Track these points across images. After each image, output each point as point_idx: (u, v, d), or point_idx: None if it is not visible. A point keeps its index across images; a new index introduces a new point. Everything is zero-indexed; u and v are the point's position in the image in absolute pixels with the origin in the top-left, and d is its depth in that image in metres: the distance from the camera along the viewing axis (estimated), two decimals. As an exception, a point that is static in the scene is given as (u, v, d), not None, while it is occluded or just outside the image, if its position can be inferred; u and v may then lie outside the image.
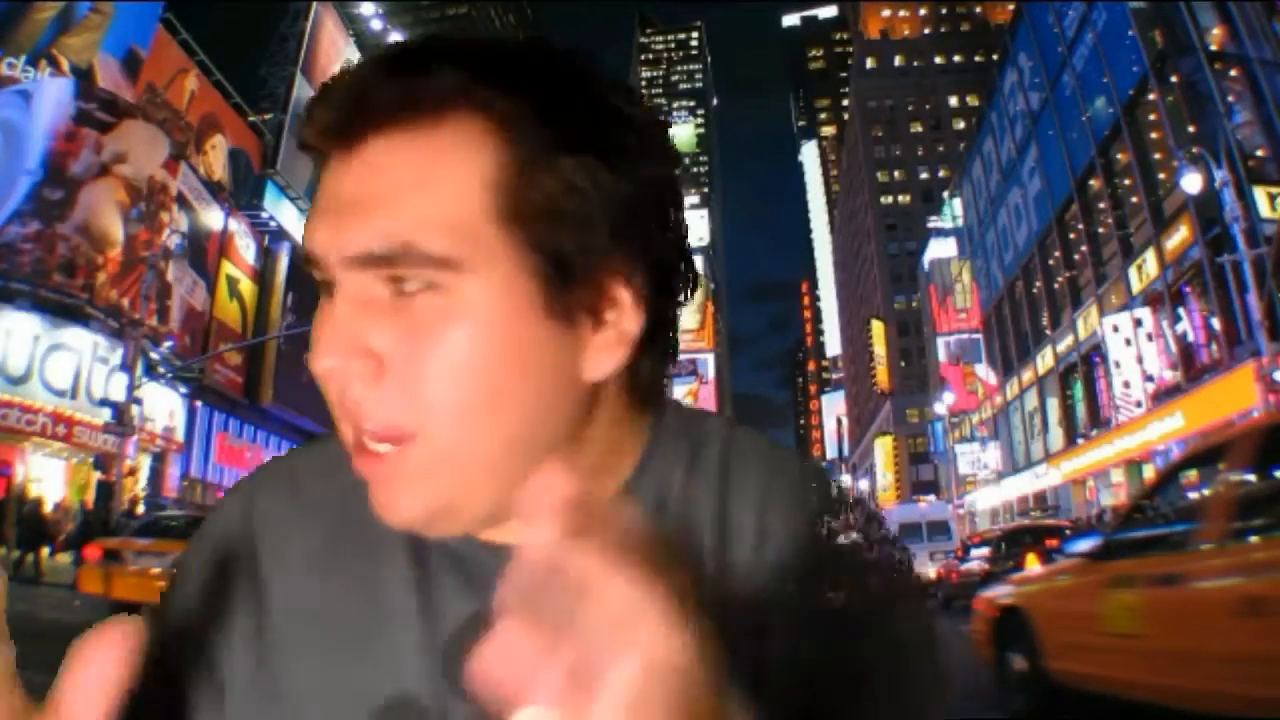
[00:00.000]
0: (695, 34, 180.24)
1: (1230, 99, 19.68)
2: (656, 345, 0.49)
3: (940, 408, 44.90)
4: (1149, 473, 21.71)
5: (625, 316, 0.46)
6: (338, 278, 0.44)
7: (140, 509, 18.13)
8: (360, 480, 0.49)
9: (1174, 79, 20.97)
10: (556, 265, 0.43)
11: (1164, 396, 21.84)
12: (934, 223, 55.06)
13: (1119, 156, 24.87)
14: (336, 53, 36.12)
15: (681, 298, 0.50)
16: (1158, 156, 22.67)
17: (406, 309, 0.43)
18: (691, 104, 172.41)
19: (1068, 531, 12.93)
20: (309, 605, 0.50)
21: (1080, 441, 28.35)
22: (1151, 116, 22.77)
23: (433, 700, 0.47)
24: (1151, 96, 22.19)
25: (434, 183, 0.42)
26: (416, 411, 0.43)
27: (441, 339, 0.42)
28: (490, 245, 0.42)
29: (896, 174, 79.81)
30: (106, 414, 18.11)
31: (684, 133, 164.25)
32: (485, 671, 0.42)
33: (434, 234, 0.42)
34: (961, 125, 73.43)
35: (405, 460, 0.44)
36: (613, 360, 0.46)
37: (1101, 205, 26.23)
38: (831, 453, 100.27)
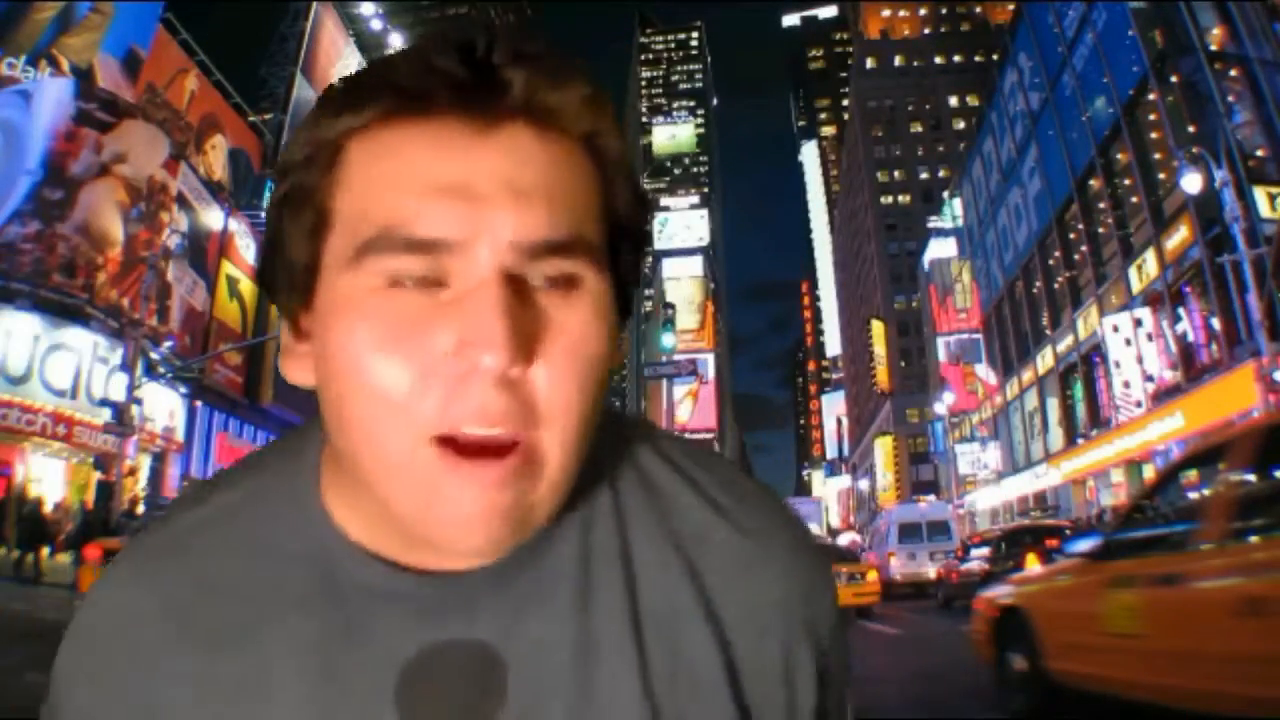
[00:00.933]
0: (695, 34, 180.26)
1: (1230, 99, 19.68)
2: None
3: (940, 408, 44.91)
4: (1149, 473, 21.71)
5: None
6: (501, 263, 0.42)
7: (140, 509, 18.14)
8: (274, 533, 0.49)
9: (1174, 79, 20.98)
10: (631, 269, 0.48)
11: (1164, 396, 21.84)
12: (934, 223, 55.09)
13: (1119, 156, 24.88)
14: (336, 53, 36.14)
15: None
16: (1158, 156, 22.68)
17: (554, 302, 0.43)
18: (691, 104, 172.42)
19: (1068, 531, 12.95)
20: (230, 689, 0.46)
21: (1080, 441, 28.35)
22: (1151, 116, 22.78)
23: None
24: (1151, 96, 22.19)
25: (577, 179, 0.45)
26: (542, 413, 0.43)
27: (579, 338, 0.43)
28: (601, 249, 0.45)
29: (896, 174, 79.82)
30: (106, 414, 18.10)
31: (684, 133, 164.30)
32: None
33: (589, 222, 0.44)
34: (961, 125, 73.44)
35: (519, 459, 0.42)
36: (619, 359, 0.47)
37: (1101, 205, 26.24)
38: (831, 453, 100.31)
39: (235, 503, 0.51)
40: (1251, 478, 3.76)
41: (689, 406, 68.30)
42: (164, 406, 23.54)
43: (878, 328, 72.27)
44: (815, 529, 37.61)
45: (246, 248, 28.86)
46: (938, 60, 79.75)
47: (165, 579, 0.49)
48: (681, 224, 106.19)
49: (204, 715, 0.45)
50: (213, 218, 26.37)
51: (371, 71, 0.44)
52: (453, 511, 0.42)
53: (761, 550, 0.51)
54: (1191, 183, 15.95)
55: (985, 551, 14.74)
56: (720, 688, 0.47)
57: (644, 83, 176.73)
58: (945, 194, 54.79)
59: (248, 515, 0.50)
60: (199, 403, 25.61)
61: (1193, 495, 4.71)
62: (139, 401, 18.54)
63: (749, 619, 0.49)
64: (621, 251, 0.48)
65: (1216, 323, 19.51)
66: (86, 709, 0.47)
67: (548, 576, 0.48)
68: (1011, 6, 47.76)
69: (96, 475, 20.24)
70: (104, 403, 18.11)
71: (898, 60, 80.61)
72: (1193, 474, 4.91)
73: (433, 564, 0.46)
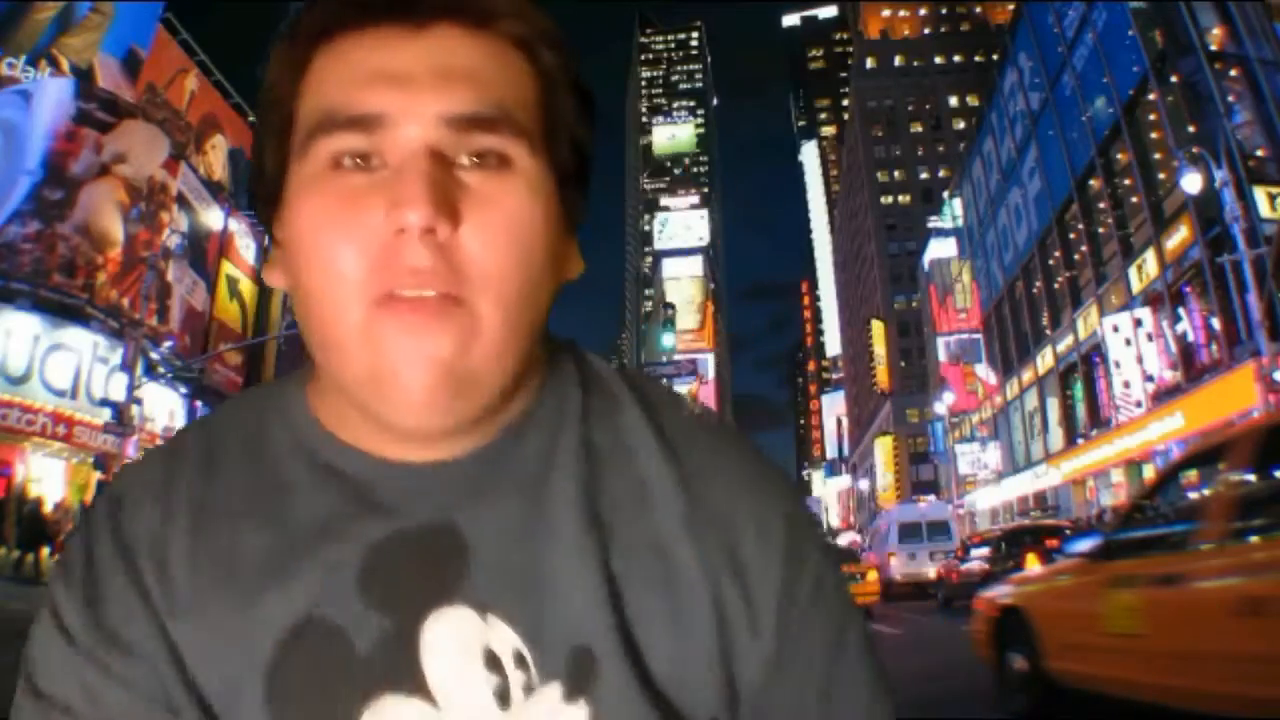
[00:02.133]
0: (695, 34, 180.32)
1: (1230, 99, 19.68)
2: None
3: (940, 408, 44.90)
4: (1149, 473, 21.71)
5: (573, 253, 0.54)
6: (426, 138, 0.47)
7: (140, 509, 18.13)
8: (270, 429, 0.55)
9: (1174, 79, 20.97)
10: (575, 169, 0.52)
11: (1164, 396, 21.84)
12: (934, 223, 55.07)
13: (1119, 156, 24.87)
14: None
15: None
16: (1158, 156, 22.67)
17: (484, 177, 0.48)
18: (691, 104, 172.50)
19: (1068, 531, 12.94)
20: (215, 555, 0.51)
21: (1080, 441, 28.36)
22: (1151, 116, 22.78)
23: (343, 618, 0.49)
24: (1151, 96, 22.19)
25: (508, 72, 0.49)
26: (474, 276, 0.46)
27: (512, 211, 0.47)
28: (538, 138, 0.50)
29: (896, 174, 79.81)
30: (106, 414, 18.10)
31: (684, 133, 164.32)
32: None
33: (521, 109, 0.49)
34: (961, 125, 73.42)
35: (451, 315, 0.46)
36: (578, 268, 0.54)
37: (1101, 205, 26.24)
38: (831, 453, 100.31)
39: (236, 412, 0.58)
40: (1251, 478, 3.77)
41: (689, 406, 68.21)
42: (164, 406, 23.54)
43: (878, 328, 72.27)
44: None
45: (246, 248, 28.86)
46: (938, 60, 79.73)
47: (179, 464, 0.55)
48: (681, 224, 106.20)
49: (236, 560, 0.51)
50: (213, 218, 26.36)
51: None
52: (394, 367, 0.46)
53: (710, 460, 0.55)
54: (1191, 183, 15.95)
55: (985, 551, 14.75)
56: (686, 571, 0.51)
57: (644, 83, 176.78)
58: (945, 194, 54.78)
59: (248, 420, 0.56)
60: (199, 403, 25.60)
61: (1193, 495, 4.72)
62: (139, 401, 18.54)
63: (702, 513, 0.53)
64: (561, 152, 0.51)
65: (1216, 323, 19.50)
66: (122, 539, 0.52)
67: (514, 469, 0.52)
68: (1011, 6, 47.75)
69: (96, 475, 20.22)
70: (104, 403, 18.11)
71: (898, 60, 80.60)
72: (1193, 474, 4.91)
73: (412, 456, 0.51)
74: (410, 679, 0.48)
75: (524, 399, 0.53)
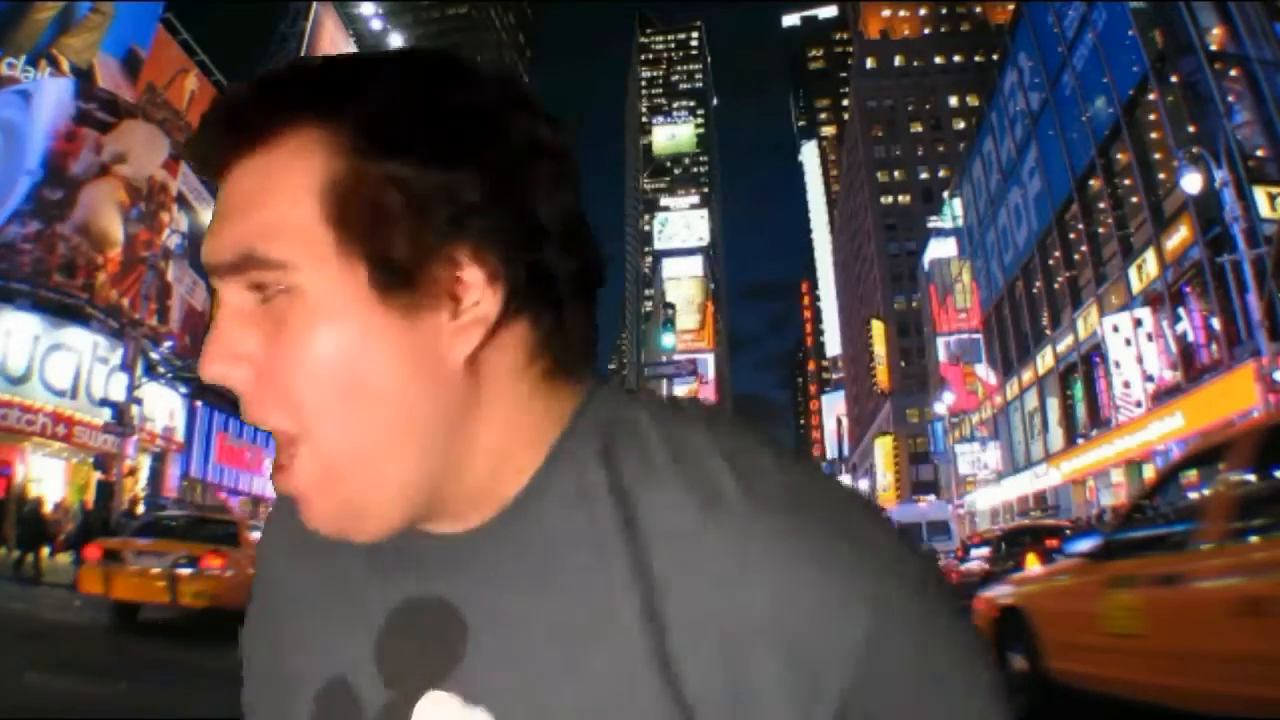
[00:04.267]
0: (695, 34, 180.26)
1: (1230, 99, 19.68)
2: (550, 325, 0.49)
3: (940, 408, 44.90)
4: (1149, 473, 21.71)
5: (482, 298, 0.46)
6: (219, 290, 0.48)
7: (140, 509, 18.14)
8: None
9: (1174, 79, 20.97)
10: (384, 260, 0.45)
11: (1164, 396, 21.84)
12: (934, 223, 55.09)
13: (1119, 156, 24.87)
14: (336, 52, 36.13)
15: (570, 268, 0.49)
16: (1158, 156, 22.67)
17: (268, 314, 0.46)
18: (691, 104, 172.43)
19: (1068, 531, 12.93)
20: (293, 590, 0.56)
21: (1080, 441, 28.35)
22: (1151, 116, 22.77)
23: (361, 687, 0.50)
24: (1151, 96, 22.19)
25: (270, 194, 0.46)
26: (292, 412, 0.46)
27: (294, 338, 0.45)
28: (322, 247, 0.45)
29: (896, 174, 79.79)
30: (106, 414, 18.12)
31: (684, 133, 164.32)
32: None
33: (269, 241, 0.45)
34: (961, 125, 73.42)
35: (301, 466, 0.47)
36: (469, 342, 0.47)
37: (1101, 205, 26.23)
38: (831, 453, 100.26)
39: None
40: (1251, 478, 3.77)
41: (689, 406, 68.21)
42: (164, 406, 23.54)
43: (878, 328, 72.27)
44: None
45: (246, 248, 28.84)
46: (938, 60, 79.72)
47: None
48: (681, 224, 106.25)
49: (304, 601, 0.55)
50: (213, 218, 26.35)
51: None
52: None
53: (745, 555, 0.45)
54: (1191, 183, 15.95)
55: (985, 551, 14.75)
56: (649, 680, 0.44)
57: (644, 83, 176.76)
58: (945, 194, 54.77)
59: None
60: (199, 403, 25.61)
61: (1193, 495, 4.72)
62: (139, 401, 18.56)
63: (700, 629, 0.45)
64: (390, 230, 0.45)
65: (1216, 323, 19.50)
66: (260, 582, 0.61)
67: (520, 548, 0.49)
68: (1011, 6, 47.75)
69: (96, 475, 20.24)
70: (104, 403, 18.12)
71: (898, 60, 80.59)
72: (1193, 474, 4.92)
73: (441, 527, 0.51)
74: None
75: (525, 469, 0.50)
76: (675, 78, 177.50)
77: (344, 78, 0.47)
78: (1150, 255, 22.45)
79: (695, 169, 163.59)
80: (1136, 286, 23.43)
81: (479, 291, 0.46)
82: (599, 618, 0.45)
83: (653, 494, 0.47)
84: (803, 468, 0.48)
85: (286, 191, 0.46)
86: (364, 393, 0.45)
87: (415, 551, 0.51)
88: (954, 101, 77.84)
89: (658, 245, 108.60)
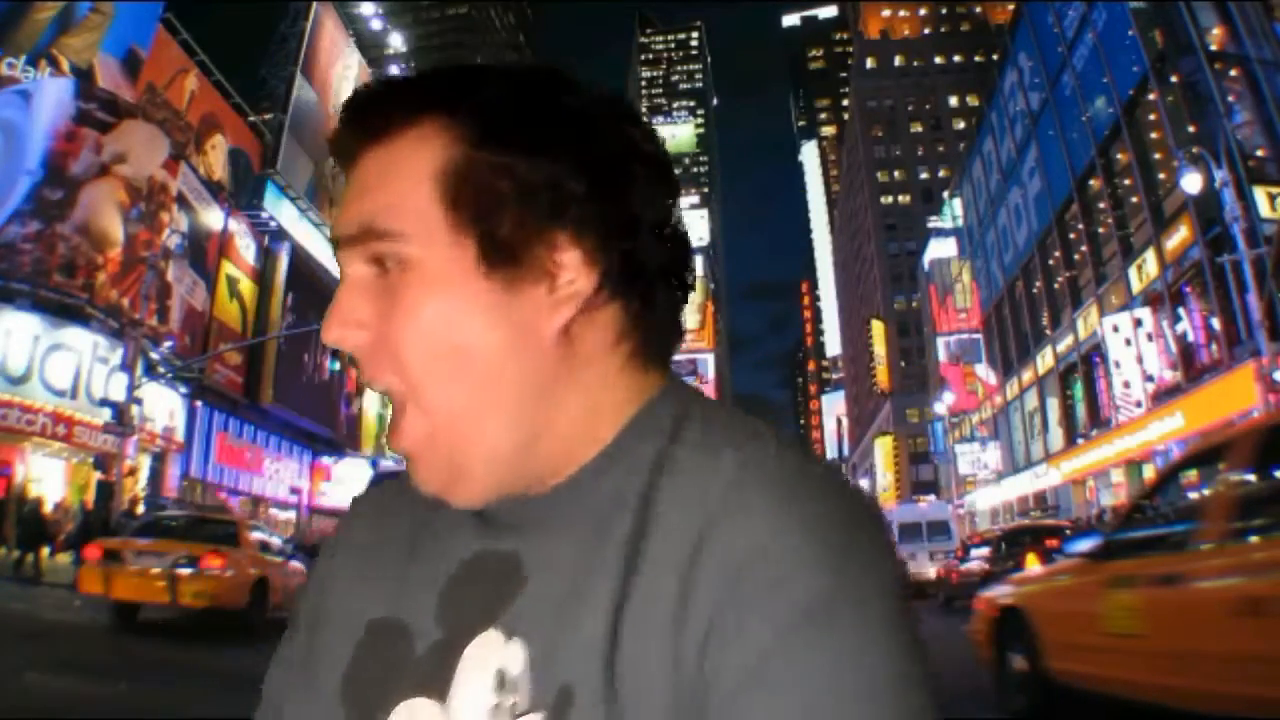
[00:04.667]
0: (695, 34, 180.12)
1: (1230, 99, 19.67)
2: (637, 311, 0.55)
3: (940, 408, 44.90)
4: (1149, 473, 21.71)
5: (576, 278, 0.52)
6: (340, 260, 0.54)
7: (140, 509, 18.13)
8: None
9: (1174, 79, 20.96)
10: (491, 238, 0.51)
11: (1164, 396, 21.83)
12: (934, 223, 55.06)
13: (1119, 156, 24.87)
14: (337, 53, 36.12)
15: (660, 261, 0.55)
16: (1158, 156, 22.67)
17: (384, 285, 0.52)
18: (691, 104, 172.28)
19: (1068, 531, 12.93)
20: (364, 541, 0.62)
21: (1080, 441, 28.35)
22: (1151, 116, 22.77)
23: (416, 624, 0.55)
24: (1151, 96, 22.18)
25: (391, 178, 0.52)
26: (402, 373, 0.52)
27: (407, 305, 0.51)
28: (435, 224, 0.51)
29: (896, 174, 79.79)
30: (106, 414, 18.10)
31: (684, 133, 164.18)
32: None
33: (388, 215, 0.52)
34: (961, 125, 73.42)
35: (410, 426, 0.52)
36: (563, 315, 0.52)
37: (1101, 205, 26.23)
38: (832, 453, 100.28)
39: None
40: (1251, 478, 3.77)
41: (689, 406, 68.27)
42: (164, 406, 23.54)
43: (878, 328, 72.26)
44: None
45: (246, 248, 28.86)
46: (938, 60, 79.72)
47: (369, 495, 0.68)
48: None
49: (375, 551, 0.62)
50: (213, 218, 26.36)
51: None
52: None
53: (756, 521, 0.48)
54: (1191, 183, 15.95)
55: (985, 551, 14.74)
56: (667, 638, 0.47)
57: (644, 83, 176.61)
58: (945, 194, 54.76)
59: None
60: (199, 403, 25.60)
61: (1193, 495, 4.72)
62: (139, 401, 18.55)
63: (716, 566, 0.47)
64: (499, 212, 0.51)
65: (1216, 323, 19.50)
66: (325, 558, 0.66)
67: (585, 506, 0.53)
68: (1011, 6, 47.73)
69: (96, 475, 20.23)
70: (104, 403, 18.11)
71: (898, 60, 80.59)
72: (1193, 474, 4.91)
73: (521, 490, 0.55)
74: (441, 687, 0.52)
75: (602, 439, 0.54)
76: (675, 78, 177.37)
77: (463, 79, 0.54)
78: (1150, 255, 22.44)
79: (695, 169, 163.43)
80: (1136, 286, 23.43)
81: (574, 271, 0.52)
82: (616, 560, 0.50)
83: (696, 457, 0.52)
84: (824, 466, 0.53)
85: (406, 175, 0.52)
86: (467, 356, 0.51)
87: (492, 512, 0.55)
88: (954, 101, 77.83)
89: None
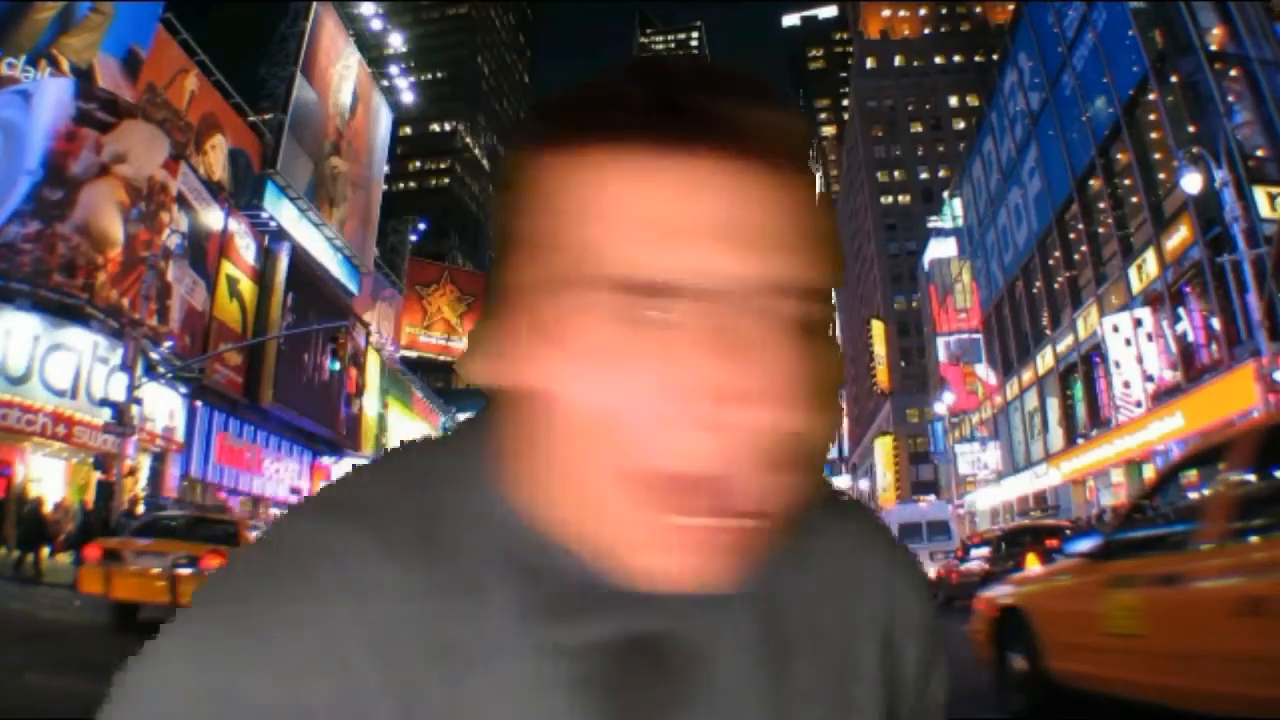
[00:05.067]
0: (695, 34, 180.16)
1: (1230, 99, 19.67)
2: None
3: (940, 408, 44.88)
4: (1149, 473, 21.70)
5: None
6: (748, 306, 0.39)
7: (140, 509, 18.13)
8: (444, 504, 0.45)
9: (1174, 79, 20.96)
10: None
11: (1164, 396, 21.83)
12: (934, 223, 55.01)
13: (1119, 156, 24.86)
14: (336, 53, 36.13)
15: None
16: (1158, 156, 22.66)
17: (798, 347, 0.40)
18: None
19: (1068, 531, 12.93)
20: (402, 637, 0.42)
21: (1080, 441, 28.34)
22: (1151, 116, 22.76)
23: None
24: (1151, 96, 22.18)
25: (813, 221, 0.41)
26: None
27: (826, 379, 0.41)
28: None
29: (896, 174, 79.78)
30: (106, 414, 18.09)
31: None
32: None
33: (825, 271, 0.41)
34: (961, 125, 73.40)
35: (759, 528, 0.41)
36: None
37: (1101, 205, 26.22)
38: (831, 453, 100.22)
39: (411, 472, 0.47)
40: (1251, 478, 3.76)
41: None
42: (164, 406, 23.53)
43: (878, 328, 72.22)
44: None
45: (246, 248, 28.84)
46: (938, 60, 79.73)
47: (344, 529, 0.45)
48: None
49: (426, 648, 0.42)
50: (213, 218, 26.35)
51: (581, 98, 0.43)
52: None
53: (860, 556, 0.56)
54: (1191, 183, 15.94)
55: (985, 551, 14.74)
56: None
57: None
58: (945, 194, 54.74)
59: (427, 485, 0.46)
60: (199, 403, 25.60)
61: (1193, 495, 4.71)
62: (139, 401, 18.53)
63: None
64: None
65: (1216, 323, 19.49)
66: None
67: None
68: (1011, 6, 47.73)
69: (96, 475, 20.23)
70: (104, 403, 18.10)
71: (898, 60, 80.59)
72: (1193, 474, 4.91)
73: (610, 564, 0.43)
74: None
75: None
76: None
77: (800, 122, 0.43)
78: (1150, 255, 22.44)
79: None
80: (1136, 286, 23.43)
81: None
82: (803, 647, 0.49)
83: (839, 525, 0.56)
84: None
85: (797, 217, 0.42)
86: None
87: (607, 594, 0.43)
88: (954, 101, 77.82)
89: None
